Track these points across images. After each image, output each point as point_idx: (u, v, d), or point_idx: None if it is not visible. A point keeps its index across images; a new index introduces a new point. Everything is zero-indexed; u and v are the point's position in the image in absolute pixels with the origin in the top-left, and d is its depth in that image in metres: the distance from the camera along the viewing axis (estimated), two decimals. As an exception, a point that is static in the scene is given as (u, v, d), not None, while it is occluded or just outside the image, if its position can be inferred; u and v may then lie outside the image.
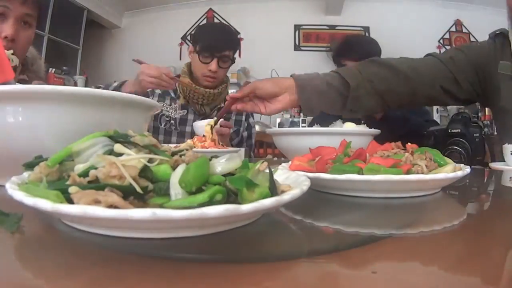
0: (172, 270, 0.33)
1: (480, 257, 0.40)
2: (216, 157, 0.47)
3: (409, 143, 0.80)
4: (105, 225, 0.38)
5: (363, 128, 1.32)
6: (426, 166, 0.68)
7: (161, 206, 0.36)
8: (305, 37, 5.80)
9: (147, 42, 5.90)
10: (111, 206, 0.35)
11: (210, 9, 5.87)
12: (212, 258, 0.37)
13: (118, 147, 0.44)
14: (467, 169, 0.71)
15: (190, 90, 1.97)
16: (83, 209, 0.33)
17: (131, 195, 0.38)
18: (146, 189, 0.39)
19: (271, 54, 5.50)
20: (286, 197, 0.40)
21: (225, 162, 0.44)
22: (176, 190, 0.38)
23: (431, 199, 0.70)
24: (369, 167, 0.65)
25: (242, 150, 1.60)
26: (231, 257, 0.38)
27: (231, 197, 0.39)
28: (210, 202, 0.36)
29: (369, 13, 5.82)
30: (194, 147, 1.40)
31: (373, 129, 1.30)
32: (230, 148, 1.51)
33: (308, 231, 0.51)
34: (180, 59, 5.65)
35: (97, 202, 0.35)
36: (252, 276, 0.33)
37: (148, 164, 0.42)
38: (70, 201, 0.36)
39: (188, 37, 5.78)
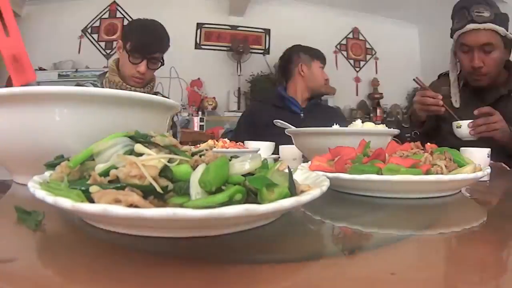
0: (193, 269, 0.33)
1: (499, 259, 0.39)
2: (236, 157, 0.47)
3: (428, 143, 0.79)
4: (126, 224, 0.39)
5: (382, 128, 1.31)
6: (445, 166, 0.67)
7: (181, 205, 0.36)
8: (207, 36, 5.76)
9: (46, 33, 5.58)
10: (132, 205, 0.35)
11: (114, 1, 5.71)
12: (232, 258, 0.37)
13: (138, 147, 0.44)
14: (487, 170, 0.70)
15: (118, 88, 1.89)
16: (104, 208, 0.33)
17: (151, 195, 0.38)
18: (166, 188, 0.39)
19: (171, 52, 5.54)
20: (305, 197, 0.40)
21: (245, 162, 0.44)
22: (196, 190, 0.38)
23: (451, 199, 0.69)
24: (388, 167, 0.65)
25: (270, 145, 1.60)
26: (251, 257, 0.38)
27: (251, 197, 0.39)
28: (230, 202, 0.36)
29: (271, 16, 5.87)
30: (214, 147, 1.40)
31: (392, 129, 1.29)
32: (250, 148, 1.51)
33: (327, 232, 0.51)
34: (79, 52, 5.50)
35: (117, 201, 0.35)
36: (271, 276, 0.33)
37: (168, 164, 0.42)
38: (91, 200, 0.36)
39: (89, 30, 5.59)
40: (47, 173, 0.48)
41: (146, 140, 0.47)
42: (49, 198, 0.37)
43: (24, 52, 0.73)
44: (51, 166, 0.49)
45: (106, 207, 0.33)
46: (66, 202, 0.35)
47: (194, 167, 0.42)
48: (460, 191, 0.74)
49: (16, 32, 0.73)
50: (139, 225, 0.37)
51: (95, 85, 1.97)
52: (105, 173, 0.40)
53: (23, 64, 0.73)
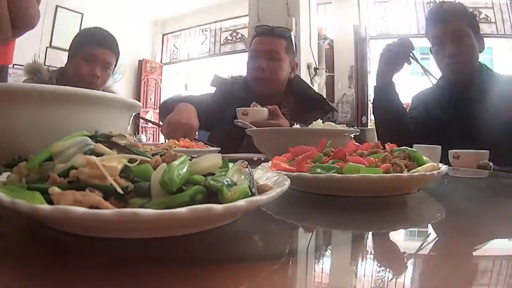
0: (153, 270, 0.33)
1: (454, 254, 0.41)
2: (196, 156, 0.47)
3: (389, 143, 0.81)
4: (86, 226, 0.38)
5: (342, 127, 1.32)
6: (405, 165, 0.69)
7: (142, 206, 0.36)
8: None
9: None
10: (92, 206, 0.34)
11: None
12: (191, 259, 0.38)
13: (99, 147, 0.44)
14: (444, 168, 0.71)
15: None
16: (64, 209, 0.33)
17: (112, 196, 0.38)
18: (127, 189, 0.39)
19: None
20: (263, 197, 0.40)
21: (205, 161, 0.44)
22: (156, 190, 0.38)
23: (411, 197, 0.71)
24: (348, 166, 0.66)
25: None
26: (211, 257, 0.38)
27: (212, 196, 0.39)
28: (191, 202, 0.36)
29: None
30: (175, 146, 1.39)
31: (352, 129, 1.31)
32: (211, 148, 1.51)
33: (289, 231, 0.51)
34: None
35: (77, 202, 0.35)
36: (232, 276, 0.33)
37: (129, 164, 0.41)
38: (50, 202, 0.36)
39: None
40: (5, 174, 0.48)
41: (106, 140, 0.46)
42: (7, 200, 0.36)
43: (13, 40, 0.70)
44: (9, 166, 0.48)
45: (66, 208, 0.33)
46: (24, 204, 0.35)
47: (155, 167, 0.41)
48: (420, 189, 0.75)
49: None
50: (99, 226, 0.37)
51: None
52: (65, 174, 0.40)
53: (8, 48, 0.70)
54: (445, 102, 1.91)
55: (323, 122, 1.37)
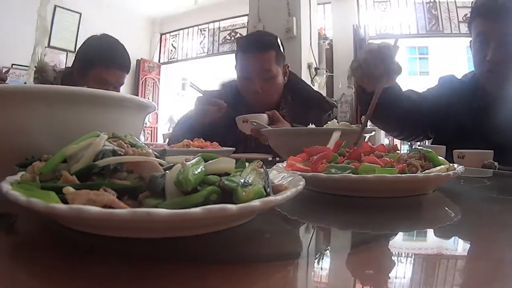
0: (167, 269, 0.33)
1: (473, 257, 0.40)
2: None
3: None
4: (100, 225, 0.38)
5: (358, 127, 1.31)
6: (421, 165, 0.68)
7: (155, 206, 0.36)
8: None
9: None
10: (106, 206, 0.34)
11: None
12: (206, 258, 0.37)
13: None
14: (460, 168, 0.71)
15: None
16: (78, 208, 0.33)
17: (126, 195, 0.38)
18: (141, 188, 0.39)
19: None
20: (278, 197, 0.40)
21: (219, 162, 0.44)
22: (171, 190, 0.38)
23: (426, 198, 0.70)
24: (363, 166, 0.65)
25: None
26: (225, 257, 0.38)
27: (226, 197, 0.39)
28: (205, 202, 0.36)
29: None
30: (190, 146, 1.39)
31: (368, 128, 1.30)
32: (225, 148, 1.51)
33: (303, 232, 0.51)
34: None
35: (91, 202, 0.35)
36: (246, 276, 0.33)
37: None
38: (64, 201, 0.36)
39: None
40: (19, 174, 0.48)
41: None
42: (22, 199, 0.36)
43: None
44: (23, 166, 0.48)
45: (80, 208, 0.33)
46: (39, 203, 0.35)
47: (169, 168, 0.41)
48: (436, 190, 0.75)
49: None
50: (113, 226, 0.37)
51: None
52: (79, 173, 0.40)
53: None
54: (468, 100, 1.69)
55: (325, 121, 1.36)
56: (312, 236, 0.50)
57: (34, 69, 1.96)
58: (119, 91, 2.08)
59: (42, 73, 2.01)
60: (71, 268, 0.33)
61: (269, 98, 2.07)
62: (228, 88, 2.21)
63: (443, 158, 0.74)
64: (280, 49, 2.08)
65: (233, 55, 2.17)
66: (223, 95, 2.06)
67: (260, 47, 2.04)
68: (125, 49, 2.12)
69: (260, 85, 2.01)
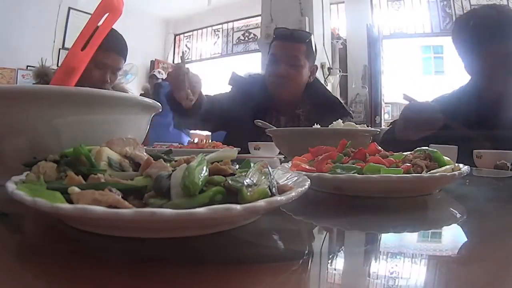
0: (172, 269, 0.33)
1: (478, 257, 0.40)
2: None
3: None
4: (105, 225, 0.38)
5: (362, 127, 1.31)
6: (426, 166, 0.68)
7: (161, 206, 0.36)
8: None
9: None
10: (111, 206, 0.34)
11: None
12: (210, 258, 0.37)
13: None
14: (465, 168, 0.70)
15: None
16: (83, 208, 0.33)
17: (131, 195, 0.38)
18: (145, 188, 0.39)
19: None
20: (282, 197, 0.40)
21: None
22: (176, 191, 0.38)
23: (431, 198, 0.70)
24: (369, 166, 0.65)
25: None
26: (230, 257, 0.38)
27: (232, 197, 0.39)
28: (211, 202, 0.36)
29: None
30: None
31: (372, 128, 1.30)
32: (226, 148, 1.52)
33: (308, 232, 0.51)
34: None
35: (96, 202, 0.35)
36: (251, 276, 0.33)
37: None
38: (69, 200, 0.36)
39: None
40: (24, 174, 0.48)
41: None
42: (28, 199, 0.37)
43: (82, 69, 0.73)
44: (29, 166, 0.48)
45: (85, 207, 0.33)
46: (45, 203, 0.35)
47: (174, 167, 0.41)
48: (441, 190, 0.74)
49: (90, 50, 0.73)
50: (118, 226, 0.37)
51: None
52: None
53: (77, 73, 0.73)
54: (470, 106, 1.68)
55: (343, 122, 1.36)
56: (317, 237, 0.50)
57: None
58: (117, 77, 2.10)
59: (43, 76, 2.04)
60: (76, 268, 0.33)
61: (291, 88, 2.15)
62: (254, 79, 2.31)
63: (448, 158, 0.74)
64: (311, 46, 2.19)
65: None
66: (251, 83, 2.22)
67: (293, 37, 2.18)
68: (121, 36, 2.17)
69: (285, 68, 2.11)
